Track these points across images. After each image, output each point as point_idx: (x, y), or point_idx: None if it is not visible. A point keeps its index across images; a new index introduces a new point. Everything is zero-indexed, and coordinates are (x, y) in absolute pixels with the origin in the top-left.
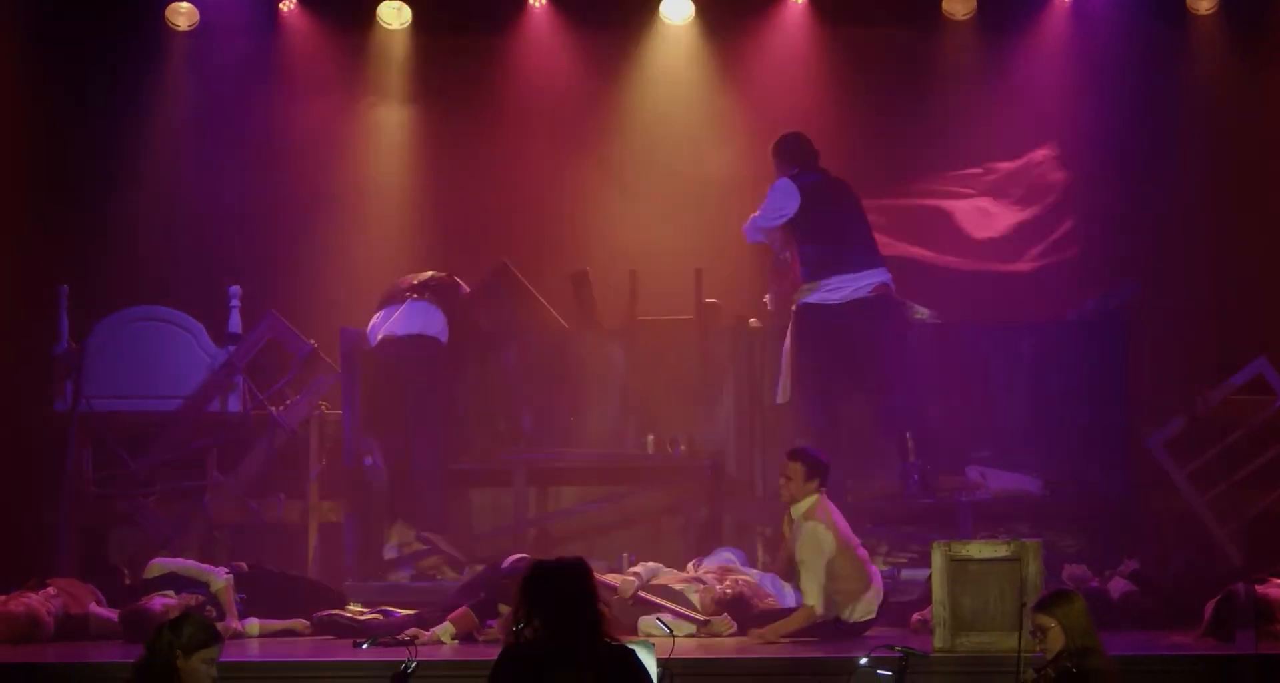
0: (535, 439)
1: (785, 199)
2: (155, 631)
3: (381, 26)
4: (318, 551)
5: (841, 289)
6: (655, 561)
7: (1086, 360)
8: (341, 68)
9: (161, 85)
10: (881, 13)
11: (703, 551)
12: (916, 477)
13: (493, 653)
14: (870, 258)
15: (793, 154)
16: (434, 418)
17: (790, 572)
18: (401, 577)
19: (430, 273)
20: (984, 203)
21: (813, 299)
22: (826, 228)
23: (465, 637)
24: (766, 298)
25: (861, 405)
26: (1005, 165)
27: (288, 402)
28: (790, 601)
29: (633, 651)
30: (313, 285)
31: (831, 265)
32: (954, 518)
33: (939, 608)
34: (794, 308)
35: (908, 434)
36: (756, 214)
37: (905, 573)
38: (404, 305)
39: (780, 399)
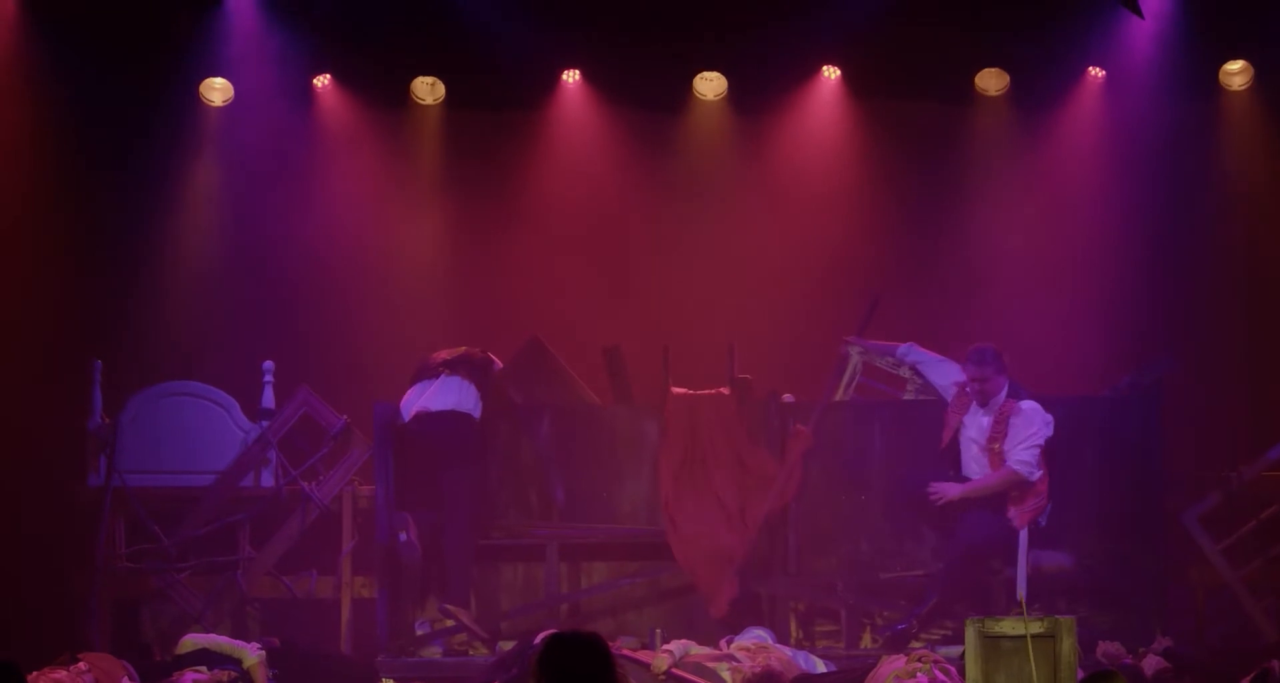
0: (568, 514)
1: (1046, 417)
2: None
3: (415, 102)
4: (350, 626)
5: None
6: (688, 638)
7: (1120, 436)
8: (375, 143)
9: (195, 160)
10: (914, 88)
11: (735, 627)
12: None
13: None
14: None
15: (1004, 366)
16: (467, 493)
17: None
18: (434, 653)
19: (463, 348)
20: None
21: None
22: None
23: None
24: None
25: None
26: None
27: (320, 477)
28: None
29: None
30: (346, 360)
31: None
32: (988, 595)
33: None
34: None
35: None
36: (1020, 453)
37: (940, 650)
38: (437, 381)
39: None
